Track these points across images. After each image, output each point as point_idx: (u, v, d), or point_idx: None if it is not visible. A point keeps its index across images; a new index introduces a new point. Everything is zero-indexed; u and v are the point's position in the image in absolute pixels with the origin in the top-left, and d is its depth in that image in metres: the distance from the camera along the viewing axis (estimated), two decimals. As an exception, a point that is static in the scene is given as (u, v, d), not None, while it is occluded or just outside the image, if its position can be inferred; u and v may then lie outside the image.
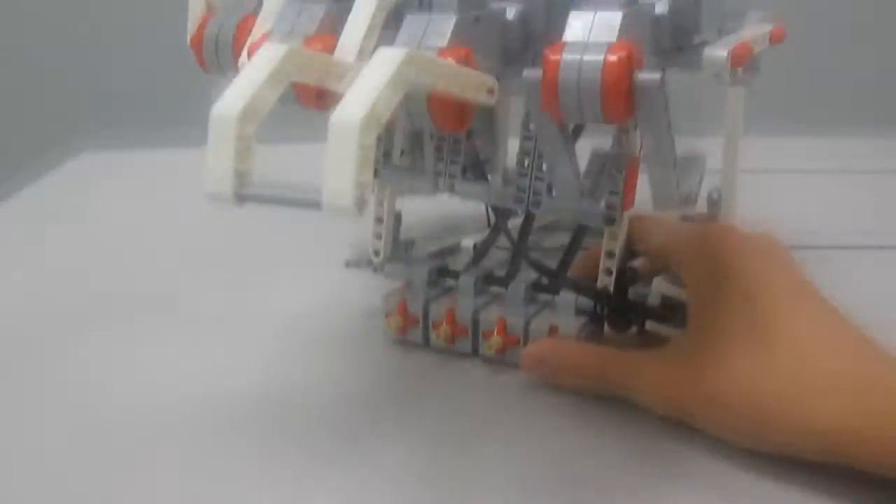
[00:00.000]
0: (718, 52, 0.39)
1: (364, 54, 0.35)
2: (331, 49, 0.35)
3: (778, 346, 0.37)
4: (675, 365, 0.40)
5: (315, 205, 0.26)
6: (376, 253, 0.51)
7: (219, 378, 0.46)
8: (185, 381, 0.46)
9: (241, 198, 0.27)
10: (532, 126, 0.46)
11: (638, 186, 0.44)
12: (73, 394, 0.46)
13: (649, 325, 0.45)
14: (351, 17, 0.36)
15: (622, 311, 0.46)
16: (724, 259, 0.40)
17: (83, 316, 0.55)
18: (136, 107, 1.23)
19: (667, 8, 0.37)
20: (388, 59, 0.27)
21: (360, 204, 0.25)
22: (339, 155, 0.25)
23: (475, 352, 0.47)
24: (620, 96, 0.32)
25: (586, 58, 0.33)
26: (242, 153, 0.27)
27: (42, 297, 0.59)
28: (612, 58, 0.32)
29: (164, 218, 0.75)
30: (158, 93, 1.21)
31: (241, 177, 0.27)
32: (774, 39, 0.48)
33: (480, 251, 0.53)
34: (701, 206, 0.60)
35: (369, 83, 0.26)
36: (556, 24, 0.38)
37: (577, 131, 0.46)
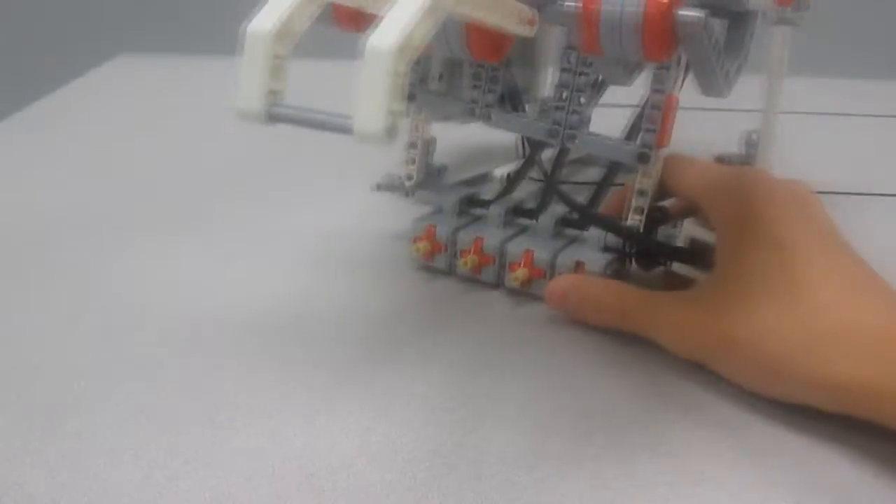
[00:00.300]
0: (766, -10, 0.39)
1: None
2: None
3: (803, 294, 0.37)
4: (698, 307, 0.40)
5: (346, 129, 0.26)
6: (408, 177, 0.51)
7: (243, 294, 0.47)
8: (209, 295, 0.47)
9: (271, 117, 0.27)
10: (572, 58, 0.45)
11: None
12: (97, 300, 0.47)
13: (675, 266, 0.45)
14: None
15: (649, 250, 0.45)
16: (755, 204, 0.40)
17: (108, 221, 0.56)
18: (175, 12, 1.23)
19: (715, -57, 0.36)
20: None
21: (391, 132, 0.25)
22: (372, 81, 0.25)
23: (500, 282, 0.47)
24: (662, 33, 0.32)
25: (629, -8, 0.32)
26: (276, 72, 0.27)
27: (71, 200, 0.59)
28: (656, -7, 0.32)
29: (196, 127, 0.75)
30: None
31: (272, 96, 0.27)
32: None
33: (512, 182, 0.53)
34: (738, 147, 0.60)
35: (407, 9, 0.26)
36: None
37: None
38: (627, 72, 0.39)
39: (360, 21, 0.34)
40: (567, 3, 0.34)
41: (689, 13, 0.32)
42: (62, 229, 0.55)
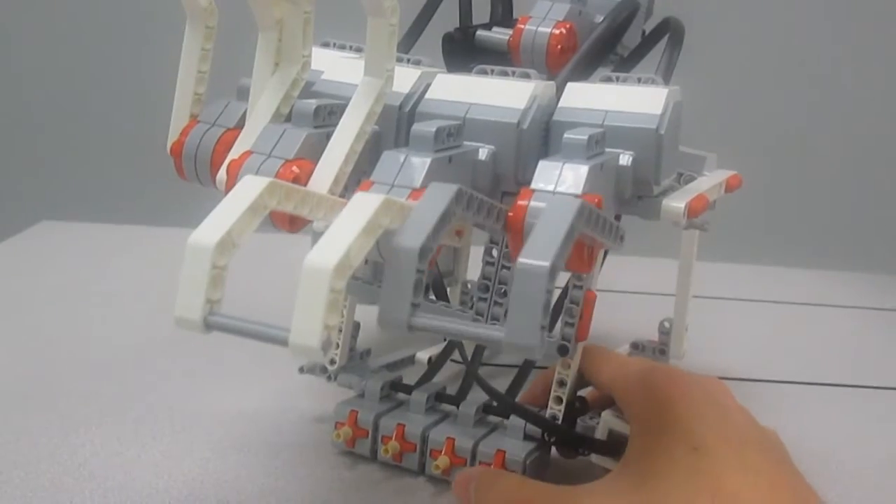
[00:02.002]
0: (676, 203, 0.41)
1: (340, 181, 0.37)
2: (308, 174, 0.36)
3: (719, 496, 0.38)
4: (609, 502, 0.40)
5: (282, 341, 0.26)
6: (332, 361, 0.52)
7: (161, 479, 0.46)
8: (127, 480, 0.46)
9: (209, 326, 0.28)
10: (494, 252, 0.47)
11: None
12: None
13: (594, 457, 0.46)
14: (330, 145, 0.37)
15: (569, 441, 0.46)
16: (670, 404, 0.41)
17: (16, 395, 0.55)
18: (95, 181, 1.25)
19: (630, 160, 0.39)
20: (364, 206, 0.28)
21: (326, 345, 0.26)
22: (309, 297, 0.26)
23: (422, 469, 0.47)
24: (581, 249, 0.34)
25: (552, 207, 0.34)
26: (215, 282, 0.28)
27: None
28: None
29: (116, 297, 0.74)
30: (118, 170, 1.24)
31: (210, 305, 0.28)
32: (730, 187, 0.50)
33: (434, 366, 0.54)
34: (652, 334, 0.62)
35: (345, 228, 0.27)
36: (525, 165, 0.40)
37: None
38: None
39: (296, 222, 0.35)
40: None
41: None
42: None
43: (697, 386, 0.43)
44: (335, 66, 0.44)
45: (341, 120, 0.37)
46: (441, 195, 0.30)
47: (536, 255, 0.27)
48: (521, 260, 0.27)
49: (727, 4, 1.12)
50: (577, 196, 0.34)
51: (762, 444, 0.41)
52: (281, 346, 0.26)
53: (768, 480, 0.38)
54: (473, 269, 0.55)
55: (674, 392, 0.42)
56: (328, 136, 0.38)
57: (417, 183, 0.34)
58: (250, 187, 0.29)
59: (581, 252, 0.33)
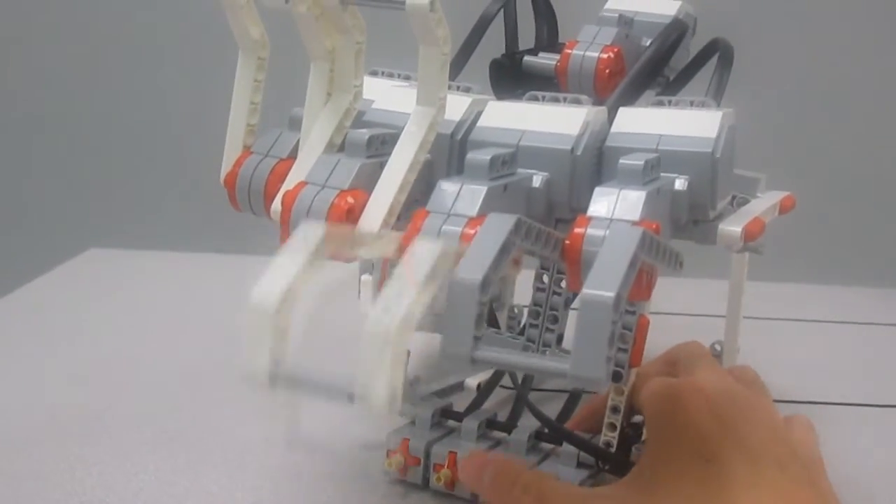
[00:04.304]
0: (732, 227, 0.41)
1: (394, 210, 0.37)
2: (362, 204, 0.37)
3: None
4: None
5: (348, 398, 0.27)
6: (383, 389, 0.51)
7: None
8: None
9: (274, 381, 0.28)
10: (545, 278, 0.47)
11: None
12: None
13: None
14: (383, 175, 0.37)
15: (624, 469, 0.46)
16: (687, 412, 0.41)
17: (75, 424, 0.55)
18: (143, 209, 1.27)
19: (685, 185, 0.39)
20: (423, 258, 0.28)
21: (392, 402, 0.26)
22: (374, 357, 0.26)
23: (475, 498, 0.47)
24: (641, 277, 0.33)
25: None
26: (278, 339, 0.28)
27: (34, 402, 0.59)
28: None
29: (165, 324, 0.75)
30: (166, 197, 1.26)
31: (275, 361, 0.28)
32: (784, 208, 0.49)
33: (484, 392, 0.54)
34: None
35: (405, 285, 0.27)
36: (579, 191, 0.39)
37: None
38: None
39: (343, 255, 0.35)
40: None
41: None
42: (22, 429, 0.54)
43: (723, 396, 0.42)
44: (386, 95, 0.44)
45: (394, 149, 0.37)
46: (500, 226, 0.30)
47: (601, 286, 0.27)
48: (585, 291, 0.27)
49: (771, 23, 1.11)
50: (634, 222, 0.34)
51: (781, 461, 0.40)
52: (347, 403, 0.28)
53: (777, 493, 0.37)
54: (519, 295, 0.55)
55: (694, 400, 0.41)
56: (381, 166, 0.38)
57: (474, 212, 0.33)
58: (306, 237, 0.30)
59: (641, 280, 0.33)
